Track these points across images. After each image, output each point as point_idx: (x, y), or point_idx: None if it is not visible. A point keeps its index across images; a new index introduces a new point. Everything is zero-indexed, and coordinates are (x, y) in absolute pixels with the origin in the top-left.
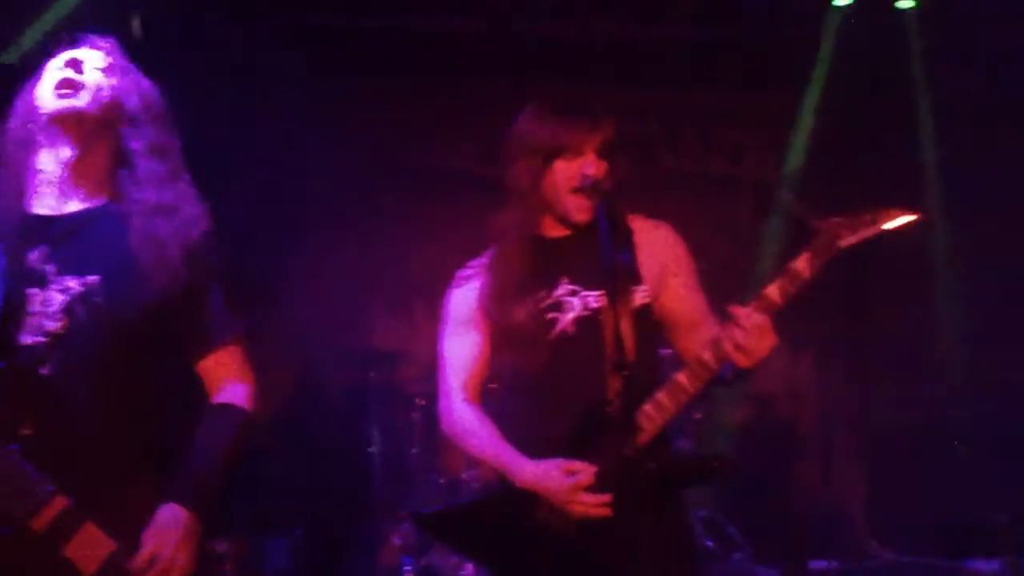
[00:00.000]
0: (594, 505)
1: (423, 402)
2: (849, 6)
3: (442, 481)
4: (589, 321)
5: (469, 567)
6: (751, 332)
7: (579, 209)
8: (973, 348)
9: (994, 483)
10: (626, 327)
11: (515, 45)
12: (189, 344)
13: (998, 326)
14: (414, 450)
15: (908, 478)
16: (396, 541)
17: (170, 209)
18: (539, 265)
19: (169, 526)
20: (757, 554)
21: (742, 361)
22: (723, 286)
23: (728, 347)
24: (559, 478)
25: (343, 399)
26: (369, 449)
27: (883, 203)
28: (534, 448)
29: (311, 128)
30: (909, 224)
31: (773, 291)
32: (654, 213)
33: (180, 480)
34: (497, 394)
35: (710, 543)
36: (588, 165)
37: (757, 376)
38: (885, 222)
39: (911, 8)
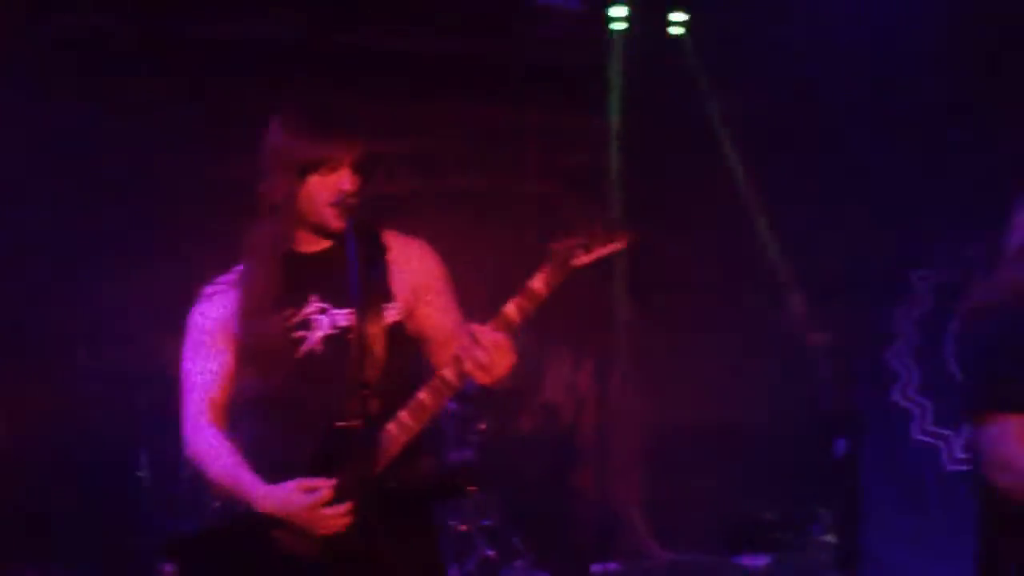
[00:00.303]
0: (334, 518)
1: None
2: (625, 31)
3: (216, 505)
4: (337, 339)
5: None
6: (490, 350)
7: (336, 218)
8: (739, 354)
9: (763, 481)
10: (377, 345)
11: (288, 51)
12: None
13: (753, 333)
14: (186, 473)
15: (683, 479)
16: (167, 569)
17: None
18: (289, 282)
19: None
20: (540, 560)
21: (482, 378)
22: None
23: (468, 365)
24: (299, 498)
25: (110, 421)
26: (138, 473)
27: (661, 223)
28: (277, 470)
29: (75, 140)
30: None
31: (511, 309)
32: (437, 229)
33: None
34: (242, 415)
35: (491, 552)
36: (344, 180)
37: (543, 385)
38: (616, 244)
39: (682, 35)
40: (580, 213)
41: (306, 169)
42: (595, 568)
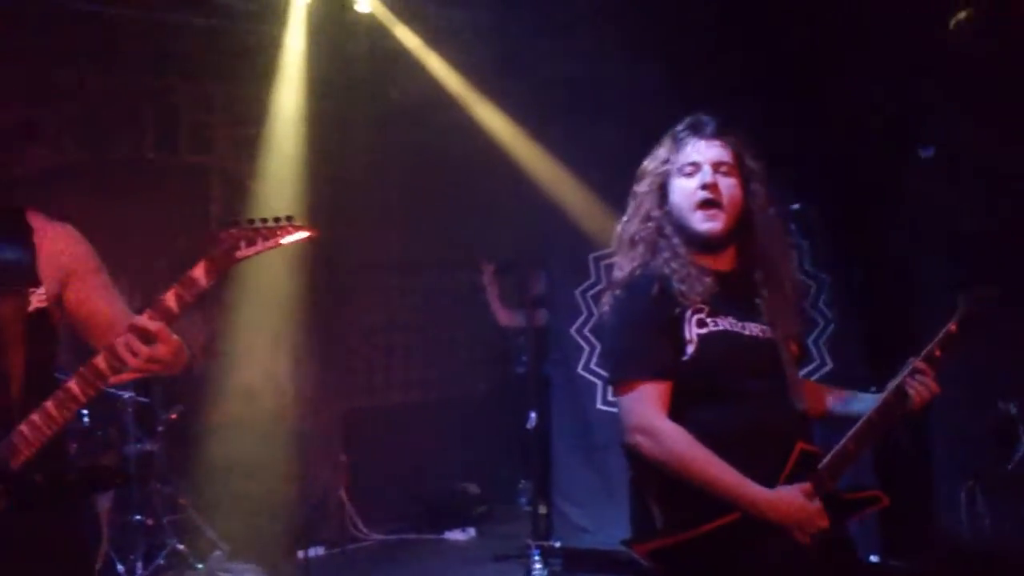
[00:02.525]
0: None
1: None
2: (311, 4)
3: None
4: None
5: None
6: (147, 340)
7: None
8: (436, 336)
9: (466, 458)
10: (17, 332)
11: None
12: None
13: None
14: None
15: (387, 460)
16: None
17: None
18: None
19: None
20: (240, 550)
21: (145, 368)
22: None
23: (125, 355)
24: None
25: None
26: None
27: (346, 204)
28: None
29: None
30: (306, 239)
31: (170, 299)
32: (114, 201)
33: None
34: None
35: (181, 546)
36: None
37: (242, 371)
38: (283, 237)
39: (368, 12)
40: (255, 190)
41: None
42: (304, 554)
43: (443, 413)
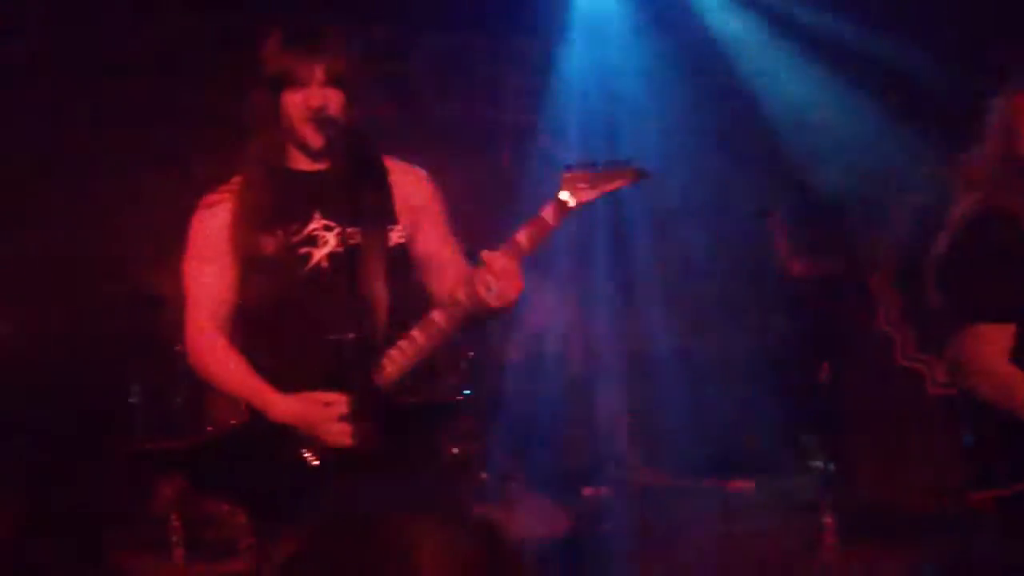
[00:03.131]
0: (347, 434)
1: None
2: None
3: (210, 429)
4: (344, 257)
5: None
6: (500, 276)
7: (314, 135)
8: (721, 280)
9: (750, 406)
10: (383, 265)
11: None
12: None
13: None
14: (178, 399)
15: (670, 406)
16: (167, 492)
17: None
18: (289, 198)
19: None
20: (532, 482)
21: (493, 302)
22: (483, 230)
23: (480, 289)
24: (316, 409)
25: (99, 347)
26: (130, 400)
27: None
28: (283, 383)
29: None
30: (639, 181)
31: (522, 237)
32: (417, 154)
33: None
34: (243, 327)
35: (484, 475)
36: (313, 96)
37: (530, 315)
38: (622, 180)
39: None
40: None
41: (278, 84)
42: (587, 492)
43: (729, 361)
